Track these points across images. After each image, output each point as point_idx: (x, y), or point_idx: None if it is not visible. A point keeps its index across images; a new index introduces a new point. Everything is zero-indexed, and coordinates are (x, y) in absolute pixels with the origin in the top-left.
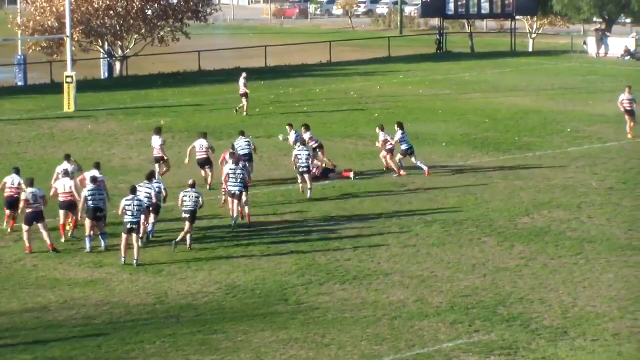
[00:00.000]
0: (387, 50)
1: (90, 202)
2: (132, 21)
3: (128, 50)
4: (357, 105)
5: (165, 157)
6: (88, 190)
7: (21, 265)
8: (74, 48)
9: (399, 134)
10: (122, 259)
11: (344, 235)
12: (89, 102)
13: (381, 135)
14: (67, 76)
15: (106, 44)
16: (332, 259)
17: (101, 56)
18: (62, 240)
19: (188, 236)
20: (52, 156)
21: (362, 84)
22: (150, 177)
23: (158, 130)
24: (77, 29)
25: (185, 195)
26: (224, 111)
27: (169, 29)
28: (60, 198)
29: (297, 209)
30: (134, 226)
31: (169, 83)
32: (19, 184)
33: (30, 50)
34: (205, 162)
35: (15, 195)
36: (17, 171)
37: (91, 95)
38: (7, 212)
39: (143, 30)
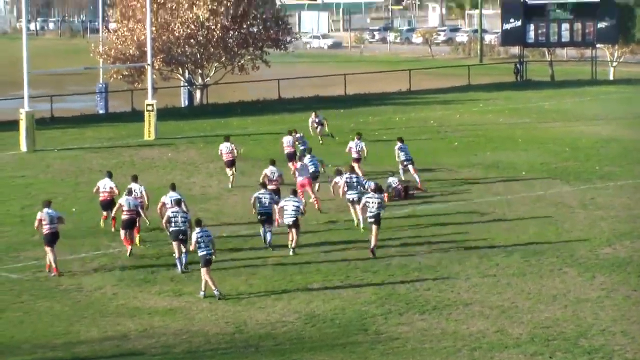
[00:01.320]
0: (467, 79)
1: (173, 225)
2: (212, 49)
3: (208, 78)
4: (436, 135)
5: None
6: (172, 212)
7: (101, 294)
8: (154, 76)
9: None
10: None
11: (424, 265)
12: (169, 130)
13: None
14: (147, 104)
15: (187, 72)
16: (411, 289)
17: (182, 84)
18: (128, 254)
19: (294, 242)
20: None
21: (441, 112)
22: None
23: (227, 138)
24: (158, 58)
25: (287, 205)
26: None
27: (249, 57)
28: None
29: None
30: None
31: (248, 111)
32: (111, 188)
33: (112, 79)
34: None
35: (109, 199)
36: (109, 175)
37: (171, 124)
38: (104, 213)
39: (223, 59)
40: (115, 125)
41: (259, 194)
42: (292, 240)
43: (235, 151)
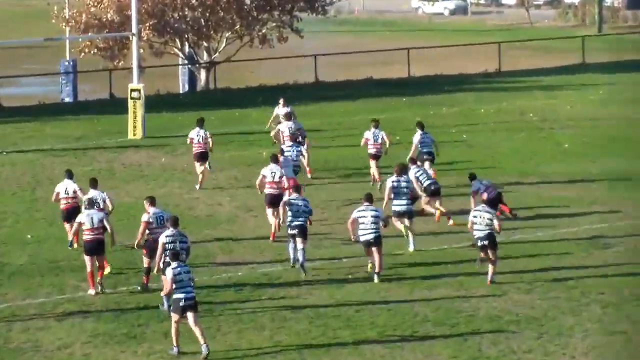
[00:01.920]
0: (581, 55)
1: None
2: (222, 14)
3: (217, 54)
4: (537, 133)
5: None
6: (168, 237)
7: (68, 354)
8: (142, 51)
9: (417, 136)
10: (175, 349)
11: (522, 315)
12: (163, 126)
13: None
14: (132, 90)
15: (187, 45)
16: (506, 350)
17: (180, 62)
18: (92, 292)
19: (379, 265)
20: (120, 201)
21: (545, 102)
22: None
23: (200, 122)
24: (147, 25)
25: (363, 216)
26: (350, 138)
27: (274, 24)
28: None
29: (452, 272)
30: (190, 303)
31: (273, 100)
32: (75, 192)
33: (83, 54)
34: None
35: (75, 205)
36: (70, 175)
37: (165, 117)
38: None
39: (238, 27)
40: (87, 118)
41: (291, 199)
42: (374, 264)
43: (210, 141)
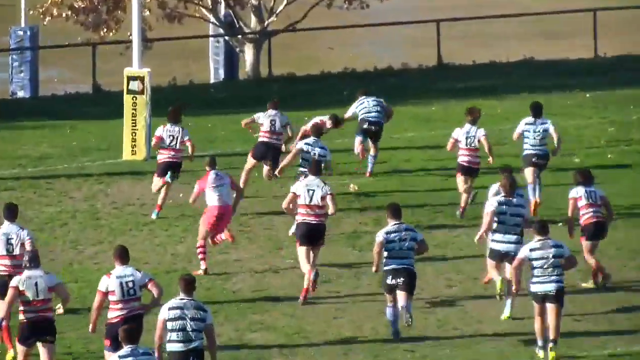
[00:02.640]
0: None
1: (179, 338)
2: None
3: (273, 18)
4: None
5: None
6: (173, 310)
7: None
8: (147, 12)
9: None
10: None
11: None
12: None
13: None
14: (131, 78)
15: (221, 4)
16: None
17: (211, 33)
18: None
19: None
20: (101, 265)
21: None
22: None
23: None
24: None
25: (540, 257)
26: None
27: None
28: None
29: None
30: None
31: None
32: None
33: (47, 19)
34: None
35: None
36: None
37: (186, 124)
38: None
39: None
40: (53, 126)
41: (386, 234)
42: (548, 329)
43: (189, 146)
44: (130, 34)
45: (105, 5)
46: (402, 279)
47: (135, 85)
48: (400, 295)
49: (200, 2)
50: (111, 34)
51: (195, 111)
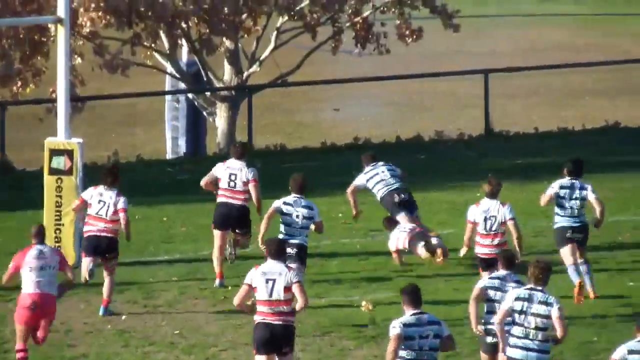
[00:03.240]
0: None
1: None
2: None
3: (255, 69)
4: None
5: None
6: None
7: None
8: (78, 60)
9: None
10: None
11: None
12: (126, 246)
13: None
14: (54, 151)
15: (183, 48)
16: None
17: (167, 89)
18: None
19: None
20: None
21: None
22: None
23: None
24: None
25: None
26: None
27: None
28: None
29: None
30: None
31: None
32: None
33: None
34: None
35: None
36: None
37: (136, 217)
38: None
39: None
40: None
41: (403, 326)
42: None
43: (122, 218)
44: (54, 91)
45: (19, 49)
46: None
47: (60, 162)
48: None
49: (154, 45)
50: (28, 90)
51: (145, 199)
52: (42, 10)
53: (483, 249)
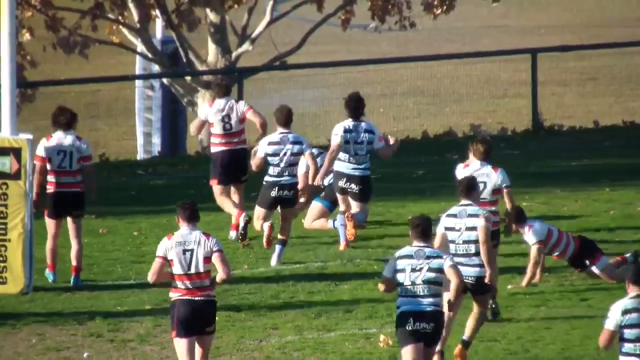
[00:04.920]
0: None
1: None
2: None
3: (246, 48)
4: None
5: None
6: None
7: None
8: (27, 37)
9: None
10: None
11: None
12: (90, 256)
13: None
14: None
15: (157, 21)
16: None
17: (137, 73)
18: None
19: None
20: None
21: None
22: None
23: None
24: None
25: None
26: None
27: None
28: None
29: None
30: None
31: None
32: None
33: None
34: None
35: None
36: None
37: (94, 227)
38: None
39: None
40: None
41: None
42: None
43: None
44: None
45: None
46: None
47: (5, 163)
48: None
49: (121, 18)
50: None
51: (111, 209)
52: None
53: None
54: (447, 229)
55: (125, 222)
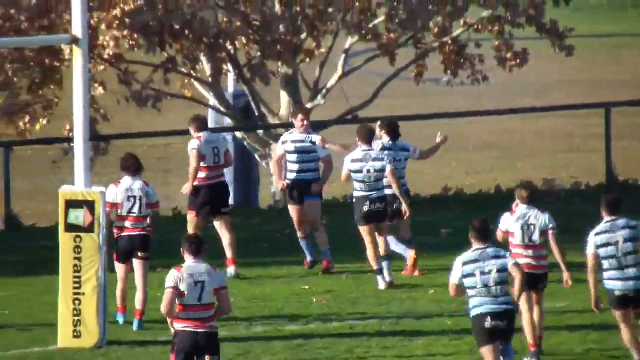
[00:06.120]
0: None
1: None
2: None
3: (319, 101)
4: None
5: None
6: None
7: None
8: (100, 91)
9: None
10: None
11: None
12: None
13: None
14: (70, 202)
15: (230, 75)
16: None
17: (210, 126)
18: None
19: None
20: None
21: None
22: None
23: None
24: (115, 13)
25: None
26: None
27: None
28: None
29: None
30: None
31: None
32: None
33: None
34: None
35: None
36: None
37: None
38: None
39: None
40: None
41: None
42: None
43: (148, 212)
44: (72, 129)
45: (26, 76)
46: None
47: (79, 216)
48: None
49: (193, 72)
50: (37, 126)
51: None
52: (54, 27)
53: (520, 261)
54: (600, 246)
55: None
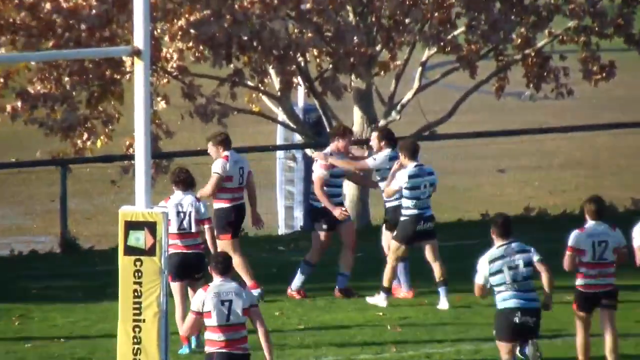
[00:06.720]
0: None
1: None
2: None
3: (394, 117)
4: None
5: None
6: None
7: None
8: (162, 105)
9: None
10: None
11: None
12: None
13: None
14: (130, 224)
15: (299, 88)
16: None
17: (278, 143)
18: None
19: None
20: None
21: None
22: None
23: None
24: (180, 23)
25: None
26: None
27: None
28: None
29: None
30: None
31: None
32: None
33: None
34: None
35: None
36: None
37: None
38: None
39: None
40: None
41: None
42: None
43: (208, 232)
44: (131, 145)
45: (85, 90)
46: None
47: (139, 238)
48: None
49: (261, 86)
50: (99, 143)
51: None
52: (114, 39)
53: (588, 281)
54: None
55: (265, 301)
